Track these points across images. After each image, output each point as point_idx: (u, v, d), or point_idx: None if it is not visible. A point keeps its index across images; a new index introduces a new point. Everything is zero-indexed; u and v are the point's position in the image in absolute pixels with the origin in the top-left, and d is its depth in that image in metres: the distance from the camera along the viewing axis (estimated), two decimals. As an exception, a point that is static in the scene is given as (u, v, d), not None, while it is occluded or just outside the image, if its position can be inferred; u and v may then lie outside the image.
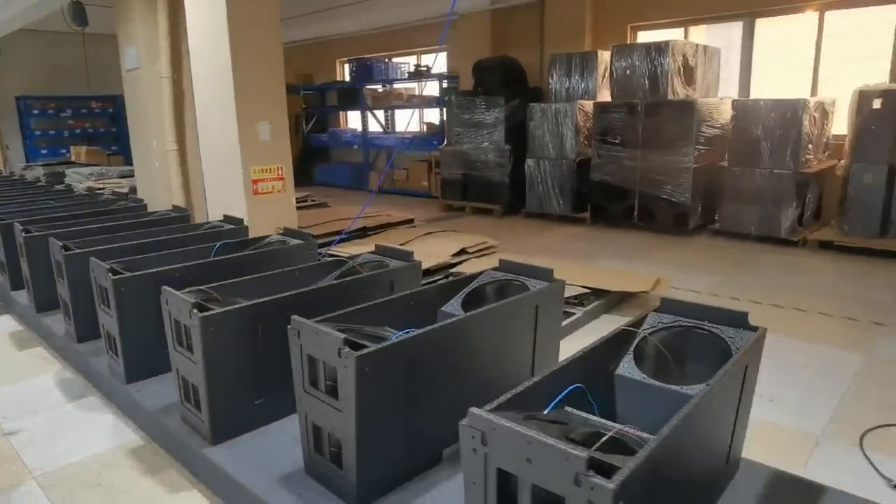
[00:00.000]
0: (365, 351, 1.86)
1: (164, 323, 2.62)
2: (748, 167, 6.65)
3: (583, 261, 5.94)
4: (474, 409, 1.41)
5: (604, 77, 7.98)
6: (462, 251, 5.41)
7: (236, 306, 2.50)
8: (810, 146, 6.51)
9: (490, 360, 2.41)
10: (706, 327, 2.10)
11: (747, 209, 6.71)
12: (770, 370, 3.18)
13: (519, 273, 2.80)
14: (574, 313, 4.16)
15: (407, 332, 2.09)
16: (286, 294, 2.63)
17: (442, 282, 2.80)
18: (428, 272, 4.86)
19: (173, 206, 5.29)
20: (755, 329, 2.04)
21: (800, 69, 7.63)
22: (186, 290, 2.60)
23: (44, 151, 15.13)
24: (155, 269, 3.12)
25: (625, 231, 7.48)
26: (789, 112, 6.33)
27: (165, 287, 2.58)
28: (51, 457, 2.77)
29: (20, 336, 4.38)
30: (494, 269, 2.89)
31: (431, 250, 5.33)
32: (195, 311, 2.36)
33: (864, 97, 6.16)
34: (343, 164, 13.19)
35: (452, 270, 4.96)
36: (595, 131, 7.62)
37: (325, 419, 2.04)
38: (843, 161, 6.48)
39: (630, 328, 2.14)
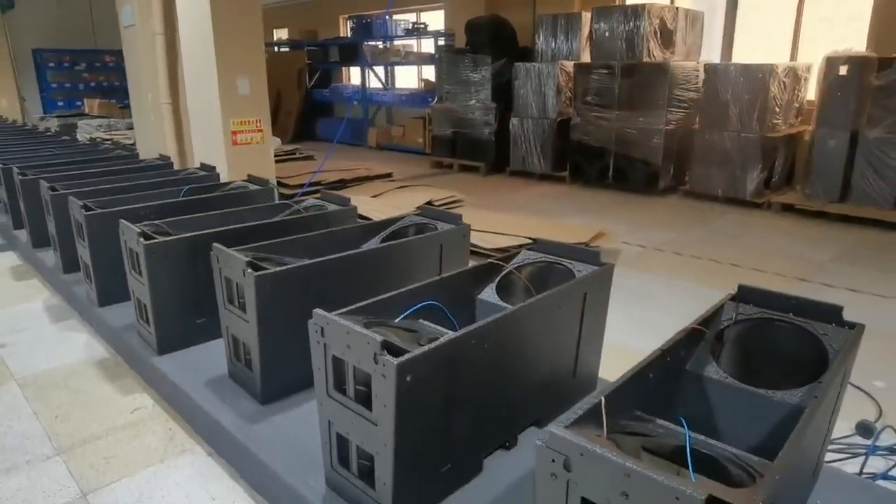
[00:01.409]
0: (406, 357, 1.59)
1: (123, 253, 3.05)
2: (717, 130, 6.85)
3: (544, 217, 6.25)
4: (555, 429, 1.23)
5: (587, 39, 8.13)
6: (428, 203, 5.76)
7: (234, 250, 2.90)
8: (778, 111, 6.68)
9: (532, 356, 2.14)
10: (793, 320, 1.85)
11: (715, 171, 6.94)
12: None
13: (559, 254, 2.48)
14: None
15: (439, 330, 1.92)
16: (329, 258, 2.57)
17: (475, 265, 2.46)
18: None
19: (159, 154, 5.69)
20: (852, 326, 1.78)
21: (782, 33, 7.71)
22: (142, 223, 3.01)
23: (60, 103, 15.59)
24: (123, 207, 3.52)
25: (599, 190, 7.75)
26: (757, 77, 6.49)
27: (123, 220, 2.99)
28: (29, 364, 3.25)
29: (19, 269, 4.87)
30: (531, 248, 2.59)
31: (399, 202, 5.70)
32: (141, 240, 2.77)
33: (831, 63, 6.29)
34: (344, 119, 13.44)
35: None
36: (575, 92, 7.82)
37: (353, 430, 1.78)
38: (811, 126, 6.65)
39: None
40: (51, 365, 3.23)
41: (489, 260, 2.49)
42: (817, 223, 6.18)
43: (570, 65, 8.01)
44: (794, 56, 7.61)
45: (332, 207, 3.51)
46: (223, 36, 5.36)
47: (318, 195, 3.74)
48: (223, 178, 5.36)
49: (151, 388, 2.98)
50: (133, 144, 7.90)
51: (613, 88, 7.40)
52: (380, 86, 13.09)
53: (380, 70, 12.99)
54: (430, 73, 12.26)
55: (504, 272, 2.44)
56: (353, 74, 14.14)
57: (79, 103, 15.21)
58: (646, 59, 7.21)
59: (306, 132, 13.58)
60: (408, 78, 13.25)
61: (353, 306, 1.92)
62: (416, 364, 1.61)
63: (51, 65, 15.41)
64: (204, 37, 5.43)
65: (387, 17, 12.76)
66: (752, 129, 6.62)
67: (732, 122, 6.73)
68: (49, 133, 8.68)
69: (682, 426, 1.41)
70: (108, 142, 7.79)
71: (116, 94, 15.89)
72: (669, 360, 1.64)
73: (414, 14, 12.53)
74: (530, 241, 4.79)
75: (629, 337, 3.34)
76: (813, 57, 7.29)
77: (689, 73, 7.26)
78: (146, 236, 2.84)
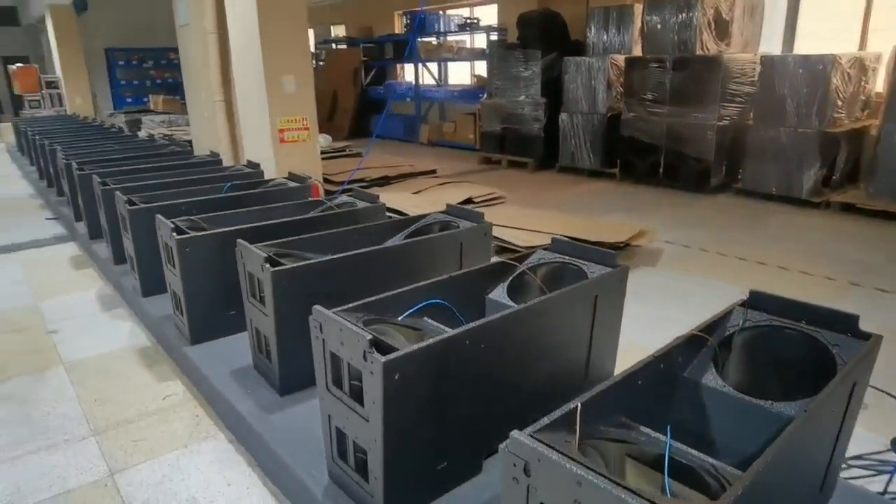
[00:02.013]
0: (394, 356, 1.61)
1: (160, 247, 3.20)
2: (773, 125, 6.56)
3: (588, 214, 6.15)
4: (517, 434, 1.22)
5: (640, 32, 7.92)
6: (468, 201, 5.77)
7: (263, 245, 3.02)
8: (840, 104, 6.33)
9: (539, 358, 2.12)
10: (802, 328, 1.76)
11: (770, 169, 6.65)
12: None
13: (574, 255, 2.44)
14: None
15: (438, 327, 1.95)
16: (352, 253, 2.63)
17: (485, 264, 2.44)
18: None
19: (210, 151, 5.92)
20: (867, 336, 1.69)
21: (850, 22, 7.30)
22: (179, 218, 3.14)
23: (128, 100, 16.42)
24: (165, 202, 3.69)
25: (649, 187, 7.55)
26: (818, 68, 6.17)
27: (159, 215, 3.13)
28: (77, 350, 3.45)
29: (77, 259, 5.17)
30: (546, 248, 2.54)
31: (439, 199, 5.72)
32: (174, 234, 2.90)
33: (900, 53, 5.92)
34: (398, 116, 13.59)
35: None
36: (625, 86, 7.64)
37: (349, 424, 1.81)
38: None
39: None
40: (96, 351, 3.43)
41: (501, 259, 2.48)
42: (879, 224, 5.83)
43: (620, 59, 7.83)
44: (862, 46, 7.19)
45: (361, 204, 3.56)
46: (269, 34, 5.51)
47: (350, 193, 3.80)
48: (271, 175, 5.53)
49: (184, 375, 3.11)
50: (191, 141, 8.25)
51: (665, 83, 7.19)
52: (433, 82, 13.15)
53: (433, 66, 13.04)
54: (482, 68, 12.24)
55: (517, 272, 2.43)
56: (408, 71, 14.25)
57: (145, 99, 15.97)
58: (699, 52, 6.97)
59: (361, 129, 13.78)
60: (461, 74, 13.26)
61: (356, 303, 1.96)
62: (405, 362, 1.62)
63: (120, 63, 16.24)
64: (251, 35, 5.60)
65: (441, 12, 12.80)
66: (810, 123, 6.30)
67: (789, 116, 6.42)
68: (113, 129, 9.14)
69: (667, 434, 1.38)
70: (166, 138, 8.16)
71: (180, 90, 16.51)
72: (663, 366, 1.59)
73: (467, 9, 12.51)
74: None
75: (661, 339, 3.26)
76: (884, 46, 6.87)
77: (745, 66, 6.97)
78: (179, 231, 2.97)
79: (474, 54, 11.85)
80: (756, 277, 4.44)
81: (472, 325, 1.83)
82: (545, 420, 1.28)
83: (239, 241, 2.64)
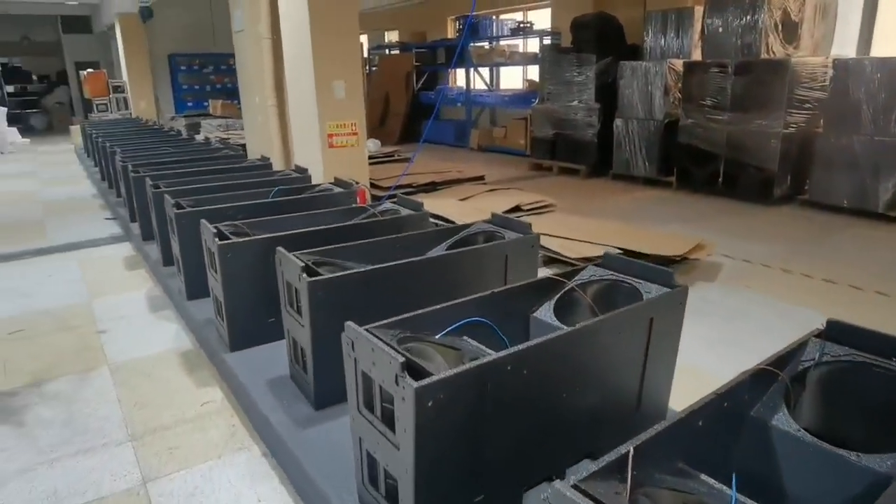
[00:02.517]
0: (428, 381, 1.50)
1: (204, 251, 3.19)
2: (845, 133, 6.16)
3: (642, 224, 5.91)
4: (559, 485, 1.13)
5: (700, 35, 7.61)
6: (516, 208, 5.62)
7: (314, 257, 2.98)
8: (921, 111, 5.89)
9: (588, 386, 1.96)
10: (892, 366, 1.57)
11: (841, 179, 6.25)
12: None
13: (628, 272, 2.26)
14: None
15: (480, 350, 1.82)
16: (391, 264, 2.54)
17: (531, 280, 2.34)
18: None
19: (261, 155, 5.96)
20: None
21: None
22: (224, 223, 3.12)
23: (189, 104, 16.92)
24: (211, 207, 3.70)
25: (707, 196, 7.23)
26: (897, 73, 5.76)
27: (203, 220, 3.12)
28: (122, 350, 3.49)
29: (131, 259, 5.27)
30: (597, 264, 2.38)
31: (486, 206, 5.59)
32: (216, 240, 2.87)
33: None
34: (449, 121, 13.54)
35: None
36: (684, 92, 7.35)
37: (380, 450, 1.73)
38: (962, 129, 5.82)
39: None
40: (141, 353, 3.45)
41: (550, 274, 2.34)
42: (966, 241, 5.39)
43: (679, 63, 7.53)
44: (946, 49, 6.69)
45: (405, 212, 3.48)
46: (320, 41, 5.52)
47: (395, 199, 3.72)
48: (319, 180, 5.52)
49: (223, 382, 3.08)
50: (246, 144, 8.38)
51: (727, 88, 6.86)
52: (484, 87, 13.04)
53: (484, 71, 12.93)
54: (534, 73, 12.07)
55: (565, 289, 2.28)
56: (460, 76, 14.19)
57: (205, 104, 16.41)
58: (764, 56, 6.63)
59: (412, 133, 13.80)
60: (513, 78, 13.11)
61: (391, 319, 1.86)
62: (439, 389, 1.51)
63: (182, 68, 16.75)
64: (303, 41, 5.62)
65: (493, 17, 12.69)
66: (888, 132, 5.88)
67: (865, 123, 6.02)
68: (172, 132, 9.39)
69: (731, 485, 1.21)
70: (222, 141, 8.31)
71: (237, 95, 16.90)
72: (727, 405, 1.42)
73: (520, 13, 12.36)
74: (620, 251, 4.53)
75: (718, 363, 3.05)
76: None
77: (816, 70, 6.59)
78: (222, 236, 2.94)
79: (527, 59, 11.68)
80: (825, 297, 4.14)
81: (514, 349, 1.70)
82: (592, 466, 1.15)
83: (278, 248, 2.58)
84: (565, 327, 2.01)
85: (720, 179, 7.12)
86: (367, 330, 1.72)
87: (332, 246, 2.78)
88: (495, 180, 8.02)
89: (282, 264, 2.54)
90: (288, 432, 2.36)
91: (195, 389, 3.05)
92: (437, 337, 1.93)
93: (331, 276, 2.37)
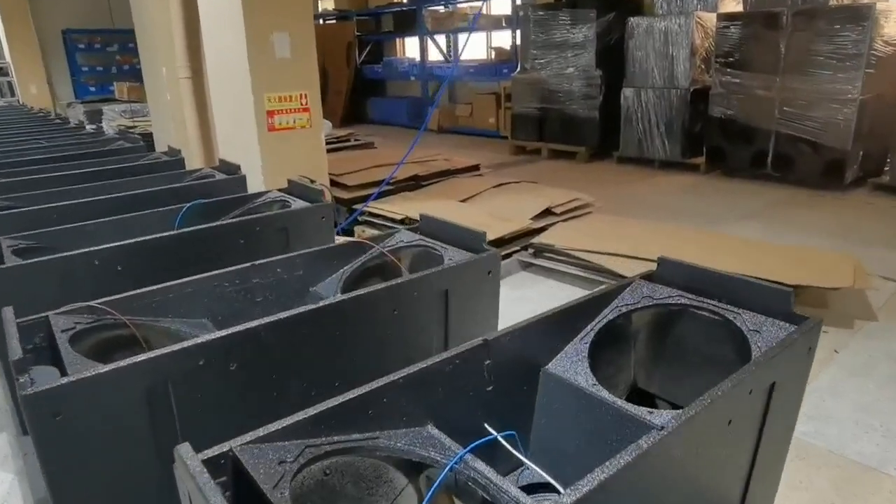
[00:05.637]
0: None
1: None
2: (942, 98, 4.84)
3: (706, 226, 4.41)
4: None
5: (732, -19, 6.16)
6: (546, 211, 3.99)
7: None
8: None
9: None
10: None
11: (934, 156, 4.94)
12: None
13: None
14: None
15: None
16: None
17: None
18: (501, 242, 3.49)
19: (168, 147, 4.08)
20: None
21: None
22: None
23: (92, 88, 14.39)
24: (65, 253, 1.90)
25: (751, 182, 5.82)
26: None
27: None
28: None
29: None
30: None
31: (505, 211, 3.94)
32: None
33: None
34: (400, 98, 11.77)
35: (535, 241, 3.56)
36: (717, 52, 5.87)
37: None
38: None
39: None
40: None
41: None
42: None
43: (708, 17, 6.06)
44: None
45: (449, 253, 1.79)
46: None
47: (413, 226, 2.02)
48: (257, 180, 3.78)
49: None
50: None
51: (778, 45, 5.42)
52: (441, 58, 11.31)
53: (441, 40, 11.20)
54: (501, 39, 10.42)
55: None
56: (409, 46, 12.41)
57: (111, 88, 13.97)
58: (832, 2, 5.21)
59: (357, 114, 11.98)
60: (474, 47, 11.40)
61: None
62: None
63: (80, 46, 14.18)
64: (225, -25, 3.76)
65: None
66: None
67: (969, 85, 4.70)
68: (59, 121, 7.24)
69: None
70: (122, 131, 6.29)
71: (150, 77, 14.60)
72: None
73: (482, -30, 10.65)
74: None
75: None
76: None
77: None
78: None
79: (493, 22, 10.03)
80: None
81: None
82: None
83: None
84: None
85: (769, 160, 5.71)
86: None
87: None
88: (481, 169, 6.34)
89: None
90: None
91: None
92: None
93: None
